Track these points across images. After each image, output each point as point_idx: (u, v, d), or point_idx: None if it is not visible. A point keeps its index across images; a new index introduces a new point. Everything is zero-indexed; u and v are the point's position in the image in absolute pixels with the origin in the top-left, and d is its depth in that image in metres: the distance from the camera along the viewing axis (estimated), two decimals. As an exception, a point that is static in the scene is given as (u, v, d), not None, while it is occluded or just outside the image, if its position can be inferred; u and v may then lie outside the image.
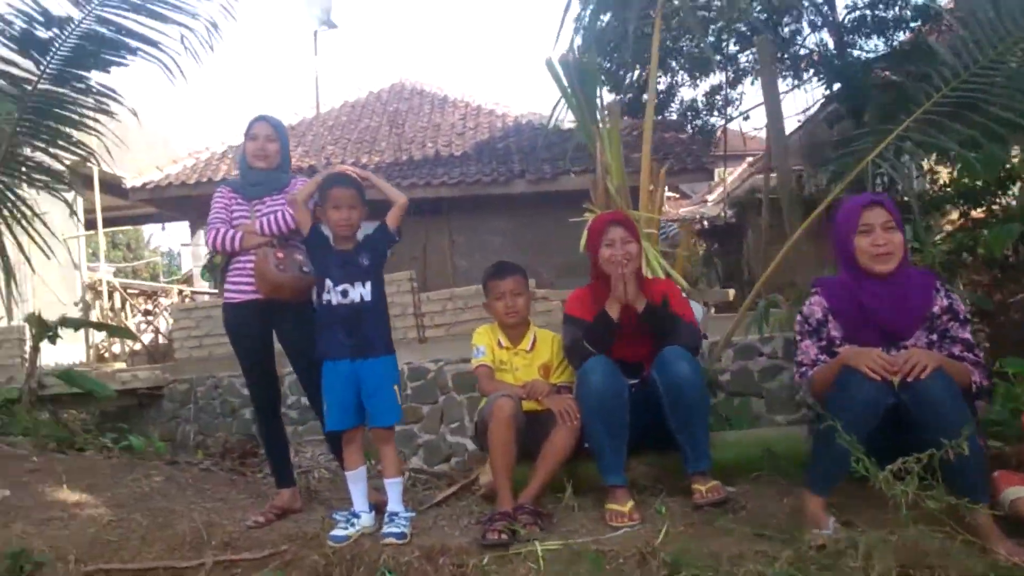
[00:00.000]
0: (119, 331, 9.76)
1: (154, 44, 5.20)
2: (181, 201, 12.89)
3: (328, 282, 3.40)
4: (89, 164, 6.15)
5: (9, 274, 5.93)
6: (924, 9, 12.87)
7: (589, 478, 3.37)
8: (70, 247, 12.88)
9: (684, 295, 3.59)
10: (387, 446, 3.39)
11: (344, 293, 3.38)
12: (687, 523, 3.04)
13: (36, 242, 5.90)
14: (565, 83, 4.02)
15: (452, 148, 12.44)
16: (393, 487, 3.34)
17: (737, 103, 15.50)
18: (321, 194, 3.46)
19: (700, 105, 15.41)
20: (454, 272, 11.40)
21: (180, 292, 16.03)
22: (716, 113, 15.49)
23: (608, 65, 15.07)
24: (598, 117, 4.10)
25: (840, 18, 13.32)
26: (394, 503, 3.30)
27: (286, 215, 3.71)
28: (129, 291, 14.88)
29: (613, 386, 3.19)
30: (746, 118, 18.18)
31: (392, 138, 12.81)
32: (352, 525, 3.26)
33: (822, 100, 13.70)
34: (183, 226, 23.19)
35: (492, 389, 3.43)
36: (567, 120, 13.53)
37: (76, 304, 13.47)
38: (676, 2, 9.01)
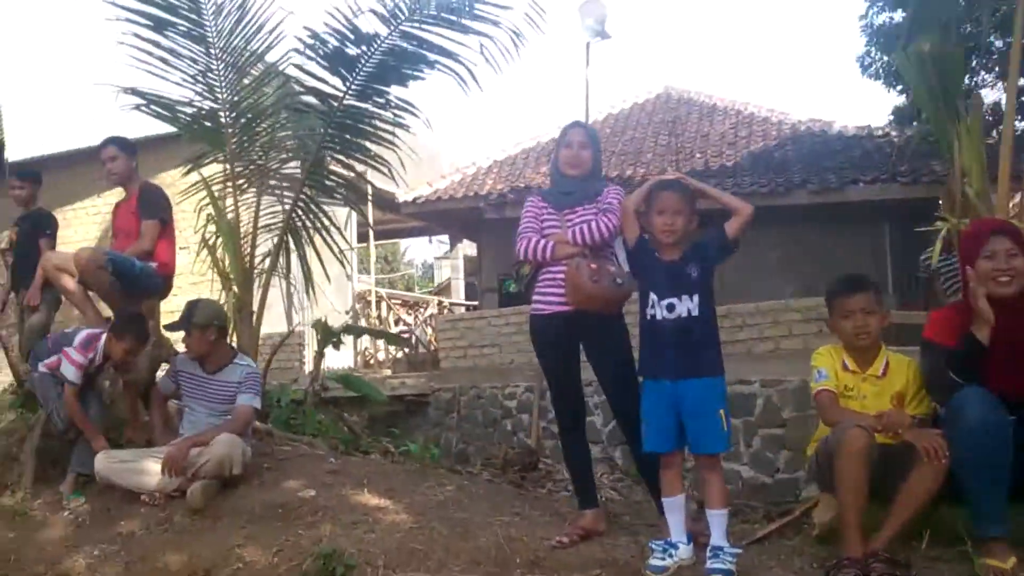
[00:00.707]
0: (396, 339, 10.28)
1: (452, 56, 5.36)
2: (446, 215, 13.46)
3: (652, 295, 3.26)
4: (366, 179, 6.47)
5: (309, 281, 6.36)
6: None
7: (950, 526, 3.01)
8: (345, 258, 13.87)
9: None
10: (712, 474, 3.20)
11: (670, 307, 3.23)
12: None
13: (333, 252, 6.32)
14: (917, 76, 3.60)
15: (723, 159, 12.03)
16: (718, 519, 3.13)
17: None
18: (647, 200, 3.34)
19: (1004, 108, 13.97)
20: (723, 287, 10.95)
21: (439, 303, 16.77)
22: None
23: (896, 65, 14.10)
24: (957, 114, 3.63)
25: None
26: (718, 537, 3.10)
27: (600, 224, 3.62)
28: (392, 301, 15.78)
29: (994, 421, 2.77)
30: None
31: (658, 149, 12.61)
32: (670, 556, 3.12)
33: None
34: (434, 240, 24.55)
35: (838, 417, 3.10)
36: (851, 125, 12.72)
37: (346, 312, 14.47)
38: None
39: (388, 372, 12.74)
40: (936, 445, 2.82)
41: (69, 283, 5.12)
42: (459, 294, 19.51)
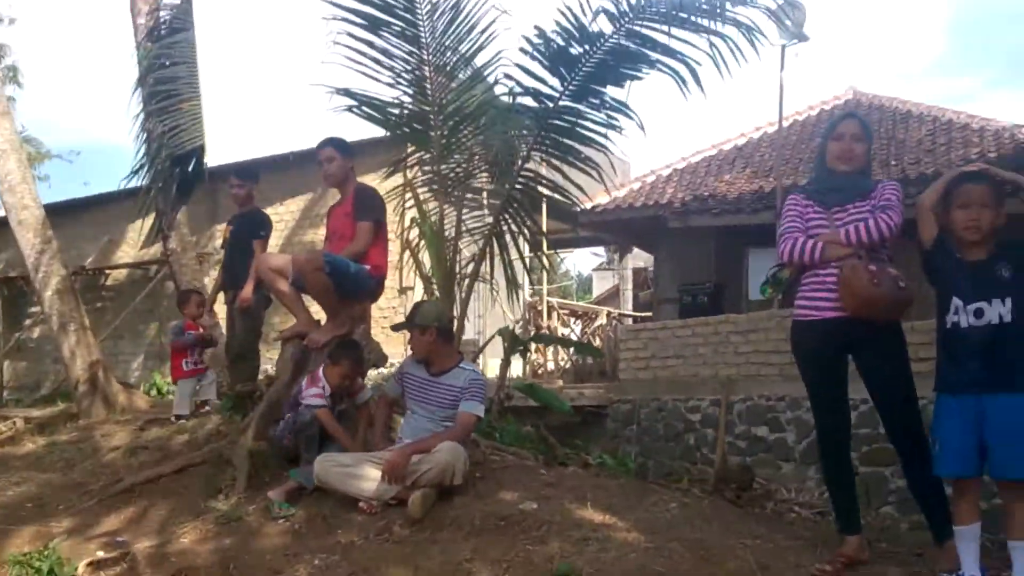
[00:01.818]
0: (587, 348, 10.17)
1: (676, 55, 5.13)
2: (623, 225, 13.27)
3: (956, 300, 2.98)
4: (541, 189, 6.27)
5: (514, 287, 6.28)
6: None
7: None
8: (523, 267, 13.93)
9: None
10: (1020, 503, 2.89)
11: (978, 313, 2.93)
12: None
13: (540, 258, 6.23)
14: None
15: (921, 166, 11.27)
16: (1021, 553, 2.86)
17: None
18: (947, 194, 3.06)
19: None
20: (919, 307, 10.27)
21: (608, 314, 16.59)
22: None
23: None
24: None
25: None
26: (1019, 570, 2.83)
27: (880, 222, 3.34)
28: (562, 311, 15.72)
29: None
30: None
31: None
32: None
33: None
34: (591, 251, 24.39)
35: None
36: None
37: (517, 322, 14.49)
38: None
39: (560, 383, 12.65)
40: None
41: (283, 285, 5.20)
42: (627, 305, 19.27)
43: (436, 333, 4.50)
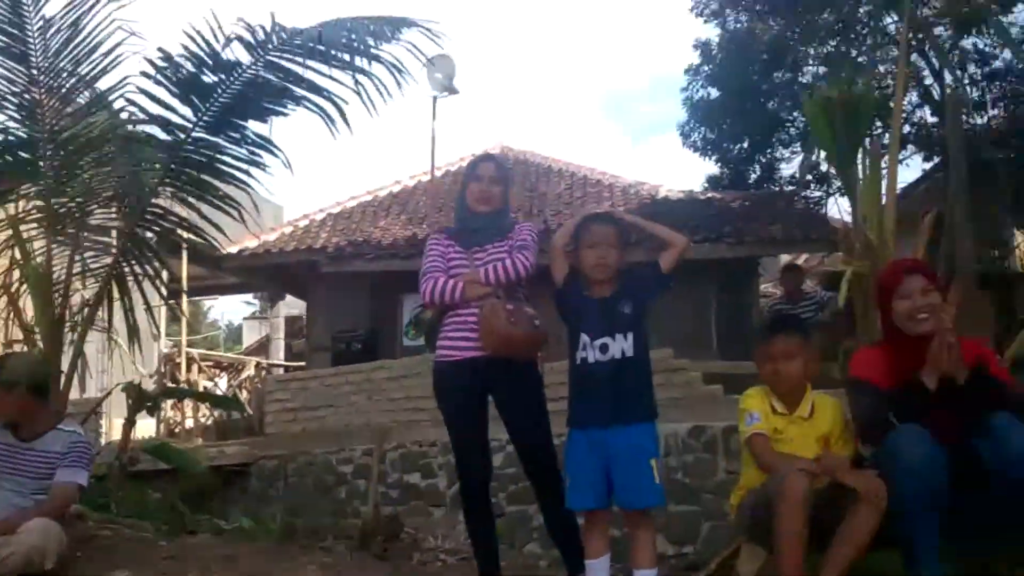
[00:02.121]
0: (226, 402, 9.48)
1: (322, 92, 4.97)
2: (274, 270, 12.79)
3: (584, 336, 3.08)
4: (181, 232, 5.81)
5: (136, 336, 5.69)
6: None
7: (879, 570, 2.92)
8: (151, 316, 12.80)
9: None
10: (642, 531, 3.04)
11: (604, 348, 3.06)
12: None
13: (166, 301, 5.70)
14: (822, 122, 3.68)
15: (561, 218, 12.21)
16: None
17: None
18: (576, 234, 3.19)
19: (799, 179, 15.34)
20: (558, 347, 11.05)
21: (257, 364, 15.86)
22: (816, 187, 15.41)
23: (712, 136, 15.13)
24: (859, 161, 3.74)
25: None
26: None
27: (516, 263, 3.43)
28: (205, 363, 14.75)
29: (933, 462, 2.75)
30: (844, 195, 18.00)
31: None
32: None
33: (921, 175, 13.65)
34: (241, 299, 23.36)
35: (776, 462, 2.99)
36: (675, 189, 13.34)
37: (151, 376, 13.32)
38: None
39: (200, 441, 11.79)
40: (875, 487, 2.75)
41: None
42: (279, 355, 18.56)
43: (26, 391, 3.81)
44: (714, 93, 15.02)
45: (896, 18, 11.87)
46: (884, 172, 3.97)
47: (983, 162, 11.12)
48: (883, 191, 3.80)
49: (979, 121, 13.41)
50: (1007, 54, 13.99)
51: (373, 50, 4.63)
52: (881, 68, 13.66)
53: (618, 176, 14.08)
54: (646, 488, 2.99)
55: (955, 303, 3.30)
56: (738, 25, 14.74)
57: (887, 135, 8.04)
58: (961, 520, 2.81)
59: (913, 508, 2.74)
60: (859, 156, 3.71)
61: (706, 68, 15.07)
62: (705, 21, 15.01)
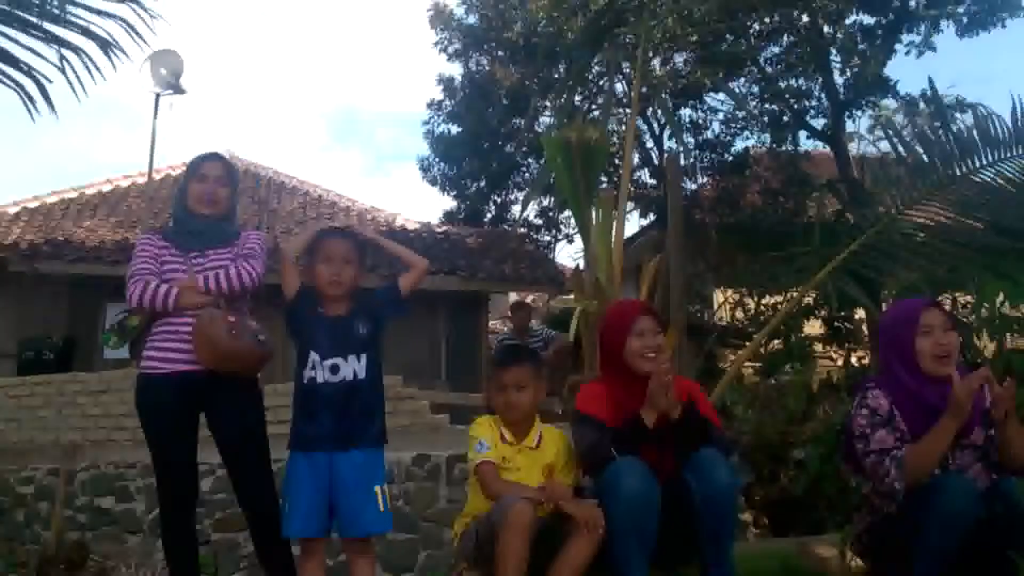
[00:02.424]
0: None
1: (18, 65, 4.37)
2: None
3: (314, 355, 2.93)
4: None
5: None
6: (743, 158, 14.50)
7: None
8: None
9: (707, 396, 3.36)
10: (364, 559, 2.94)
11: (334, 369, 2.93)
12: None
13: None
14: (561, 162, 3.80)
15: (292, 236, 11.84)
16: None
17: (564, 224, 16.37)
18: (311, 248, 3.04)
19: (534, 222, 16.14)
20: (283, 368, 10.65)
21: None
22: (545, 231, 16.28)
23: (451, 172, 15.47)
24: (592, 202, 3.90)
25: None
26: None
27: (242, 272, 3.21)
28: None
29: (648, 493, 2.89)
30: (571, 241, 19.33)
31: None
32: None
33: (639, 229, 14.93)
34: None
35: (503, 490, 2.99)
36: (412, 220, 13.45)
37: None
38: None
39: None
40: (594, 515, 2.84)
41: None
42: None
43: None
44: (455, 130, 15.40)
45: (625, 81, 12.87)
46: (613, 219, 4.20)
47: (692, 224, 12.34)
48: (612, 236, 4.02)
49: (691, 186, 14.83)
50: (716, 127, 15.69)
51: (78, 20, 4.14)
52: (610, 127, 14.76)
53: (354, 200, 13.94)
54: (371, 515, 2.91)
55: (671, 347, 3.51)
56: (480, 67, 15.24)
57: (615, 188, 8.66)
58: (667, 546, 2.96)
59: (627, 536, 2.86)
60: (592, 200, 3.89)
61: (448, 104, 15.42)
62: (448, 59, 15.37)
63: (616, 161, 11.31)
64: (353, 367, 2.96)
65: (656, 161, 15.82)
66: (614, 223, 4.10)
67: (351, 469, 2.89)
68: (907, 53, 13.03)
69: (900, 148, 5.06)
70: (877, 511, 2.94)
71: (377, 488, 2.91)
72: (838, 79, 14.21)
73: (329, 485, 2.89)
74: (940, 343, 2.90)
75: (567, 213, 16.65)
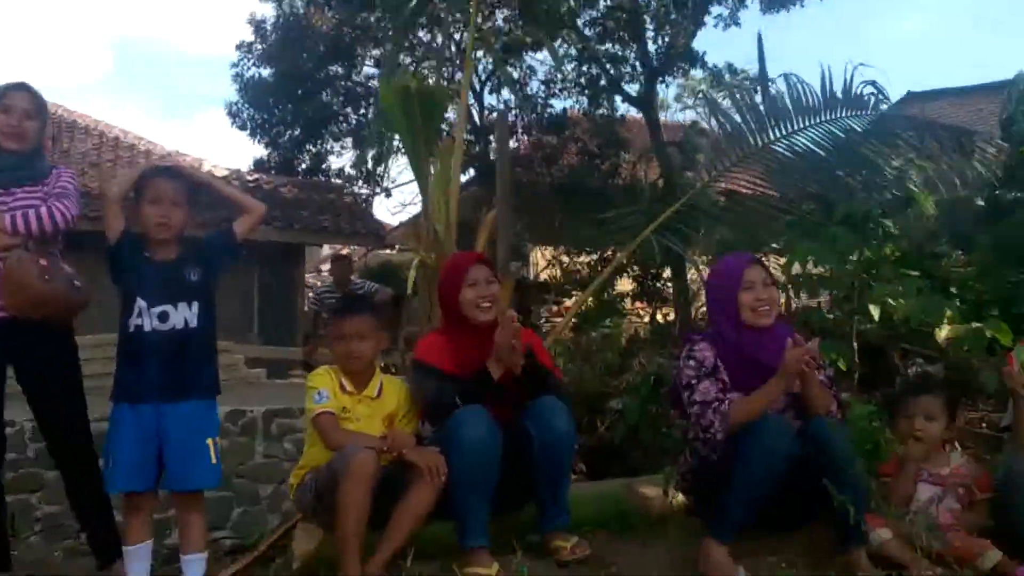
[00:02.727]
0: None
1: None
2: None
3: (140, 302, 2.78)
4: None
5: None
6: (561, 119, 14.85)
7: (429, 542, 3.09)
8: None
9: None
10: (194, 514, 2.84)
11: (163, 317, 2.78)
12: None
13: None
14: (399, 110, 3.70)
15: (86, 179, 10.91)
16: (195, 564, 2.81)
17: (383, 177, 16.18)
18: (137, 187, 2.87)
19: (350, 173, 15.82)
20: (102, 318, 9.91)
21: None
22: (364, 184, 16.01)
23: (263, 119, 14.80)
24: (434, 152, 3.84)
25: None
26: None
27: (55, 212, 2.99)
28: None
29: (490, 441, 2.95)
30: (388, 195, 19.14)
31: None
32: None
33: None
34: None
35: (345, 440, 2.95)
36: (220, 166, 12.77)
37: None
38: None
39: None
40: (437, 462, 2.87)
41: None
42: None
43: None
44: (266, 74, 14.73)
45: (447, 34, 12.77)
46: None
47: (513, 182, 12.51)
48: (450, 188, 4.01)
49: (512, 144, 14.98)
50: (535, 86, 15.90)
51: None
52: (431, 80, 14.61)
53: (154, 143, 13.05)
54: (203, 468, 2.81)
55: (506, 301, 3.57)
56: (295, 10, 14.61)
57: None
58: (504, 491, 3.04)
59: (469, 483, 2.92)
60: (432, 151, 3.85)
61: (259, 47, 14.70)
62: (260, -1, 14.61)
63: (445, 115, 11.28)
64: (184, 315, 2.82)
65: (477, 118, 15.88)
66: (452, 175, 4.10)
67: (181, 421, 2.77)
68: (715, 26, 13.77)
69: (719, 116, 5.31)
70: (701, 454, 3.15)
71: (209, 440, 2.81)
72: (651, 47, 14.81)
73: (157, 437, 2.75)
74: (759, 298, 3.10)
75: (384, 167, 16.49)
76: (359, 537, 2.80)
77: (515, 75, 15.18)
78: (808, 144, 5.02)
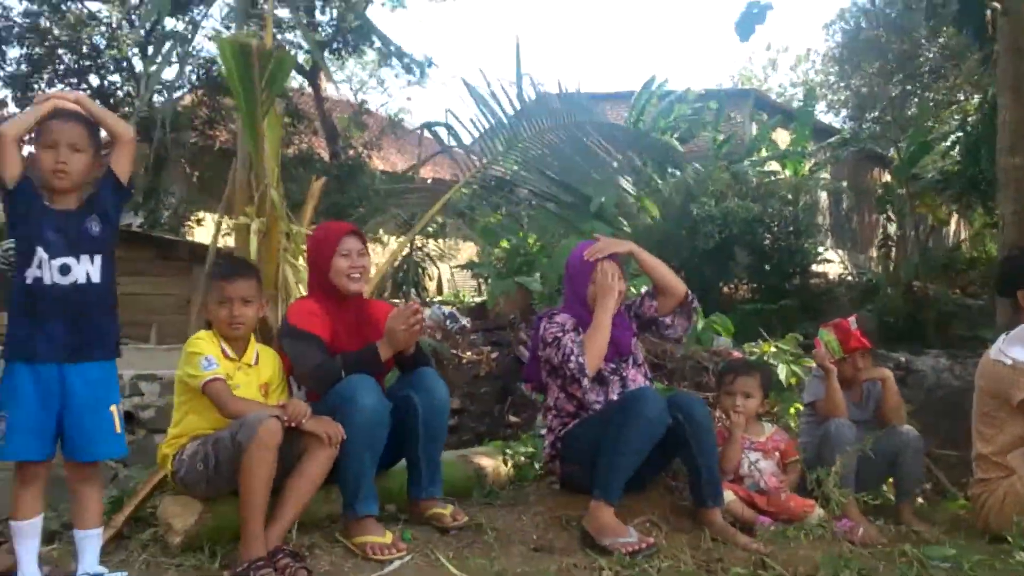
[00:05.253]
0: None
1: None
2: None
3: (41, 252, 2.53)
4: None
5: None
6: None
7: (312, 512, 3.13)
8: None
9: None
10: (92, 487, 2.65)
11: (64, 269, 2.56)
12: (450, 549, 3.06)
13: None
14: (238, 67, 3.48)
15: None
16: (92, 541, 2.64)
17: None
18: (37, 129, 2.59)
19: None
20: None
21: None
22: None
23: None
24: (266, 114, 3.65)
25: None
26: (92, 563, 2.62)
27: None
28: None
29: (383, 409, 3.08)
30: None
31: None
32: None
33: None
34: None
35: (244, 408, 2.87)
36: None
37: None
38: None
39: None
40: (337, 431, 2.92)
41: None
42: None
43: None
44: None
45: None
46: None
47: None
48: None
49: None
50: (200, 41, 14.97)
51: None
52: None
53: None
54: (107, 437, 2.59)
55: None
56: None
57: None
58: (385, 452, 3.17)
59: (363, 448, 3.02)
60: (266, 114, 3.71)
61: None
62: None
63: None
64: (86, 268, 2.57)
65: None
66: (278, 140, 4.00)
67: (84, 385, 2.54)
68: (383, 5, 14.18)
69: (480, 105, 5.61)
70: (570, 418, 3.53)
71: (113, 407, 2.60)
72: (320, 17, 14.75)
73: (59, 401, 2.51)
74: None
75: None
76: (264, 508, 2.78)
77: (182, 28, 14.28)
78: (555, 141, 5.59)
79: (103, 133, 2.71)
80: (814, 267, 12.99)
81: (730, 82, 31.17)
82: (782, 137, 15.63)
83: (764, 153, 14.23)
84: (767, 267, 11.14)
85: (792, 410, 4.94)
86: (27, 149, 2.66)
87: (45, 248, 2.51)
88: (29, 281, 2.52)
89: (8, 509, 2.58)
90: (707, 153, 13.27)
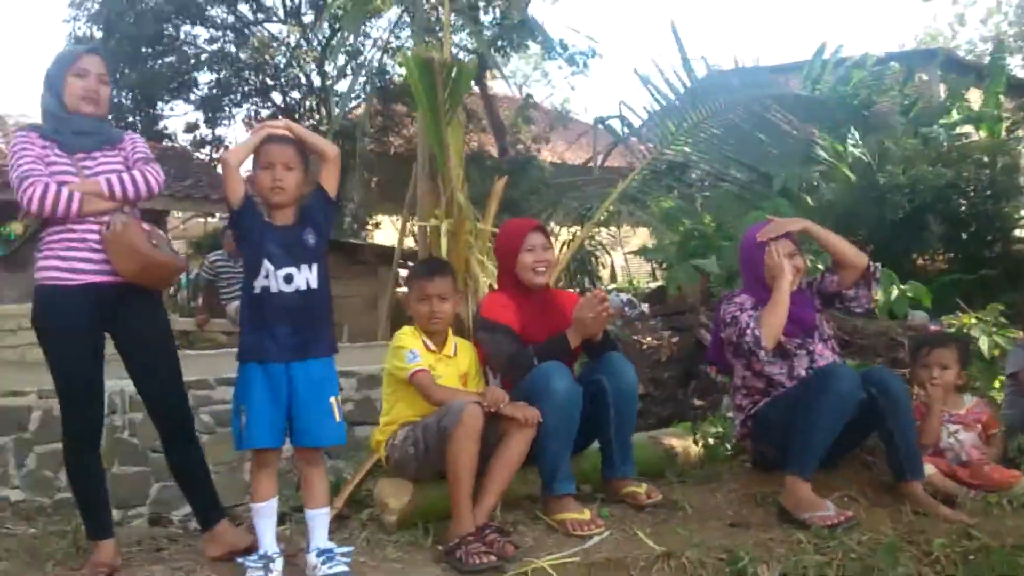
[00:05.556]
0: None
1: None
2: None
3: (267, 265, 2.84)
4: None
5: None
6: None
7: (514, 491, 3.32)
8: None
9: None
10: (318, 469, 2.93)
11: (288, 279, 2.85)
12: (647, 525, 3.19)
13: None
14: (422, 79, 3.77)
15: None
16: (322, 520, 2.89)
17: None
18: (257, 153, 2.91)
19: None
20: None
21: None
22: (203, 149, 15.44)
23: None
24: (450, 122, 3.93)
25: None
26: (322, 539, 2.87)
27: (148, 177, 2.96)
28: None
29: (576, 393, 3.24)
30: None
31: None
32: (270, 571, 2.76)
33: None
34: None
35: (448, 395, 3.14)
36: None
37: None
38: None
39: None
40: (534, 415, 3.11)
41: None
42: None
43: None
44: (99, 34, 13.85)
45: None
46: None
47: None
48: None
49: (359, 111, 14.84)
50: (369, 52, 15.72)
51: None
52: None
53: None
54: (329, 427, 2.87)
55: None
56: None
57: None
58: (578, 436, 3.33)
59: (558, 432, 3.19)
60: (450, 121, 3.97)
61: (92, 5, 13.81)
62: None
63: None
64: (306, 276, 2.86)
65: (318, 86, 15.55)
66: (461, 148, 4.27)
67: (307, 380, 2.83)
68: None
69: (651, 89, 5.65)
70: (760, 395, 3.58)
71: (332, 399, 2.88)
72: (484, 17, 15.12)
73: (286, 396, 2.81)
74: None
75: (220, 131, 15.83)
76: (471, 488, 3.00)
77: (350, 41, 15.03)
78: (732, 119, 5.53)
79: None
80: (1017, 232, 12.08)
81: (913, 43, 29.39)
82: (976, 97, 14.54)
83: (955, 116, 13.32)
84: (964, 235, 10.44)
85: (996, 383, 4.72)
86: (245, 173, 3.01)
87: (270, 260, 2.82)
88: (257, 290, 2.83)
89: (231, 497, 2.92)
90: (891, 120, 12.60)
